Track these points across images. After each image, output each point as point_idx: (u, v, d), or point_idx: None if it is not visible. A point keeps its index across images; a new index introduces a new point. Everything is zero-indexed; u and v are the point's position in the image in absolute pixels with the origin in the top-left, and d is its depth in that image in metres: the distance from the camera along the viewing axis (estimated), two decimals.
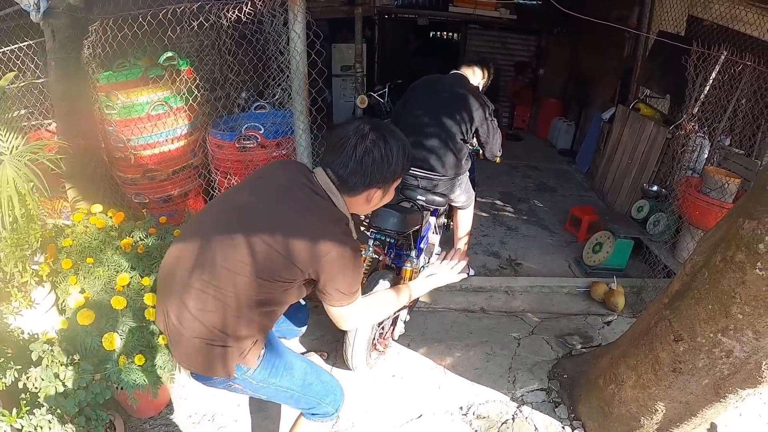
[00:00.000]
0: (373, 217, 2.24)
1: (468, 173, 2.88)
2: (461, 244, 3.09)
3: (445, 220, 3.37)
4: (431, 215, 2.72)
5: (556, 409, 2.16)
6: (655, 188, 3.73)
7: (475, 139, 2.70)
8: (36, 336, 1.84)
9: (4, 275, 2.04)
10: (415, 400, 2.21)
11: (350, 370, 2.23)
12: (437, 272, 1.65)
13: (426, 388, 2.27)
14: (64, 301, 2.13)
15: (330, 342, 2.50)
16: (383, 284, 2.14)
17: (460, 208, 2.98)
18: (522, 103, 6.92)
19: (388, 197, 1.48)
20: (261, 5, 2.41)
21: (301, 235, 1.28)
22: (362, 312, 1.46)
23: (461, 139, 2.59)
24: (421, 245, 2.53)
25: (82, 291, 2.07)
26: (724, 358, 1.48)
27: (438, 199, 2.57)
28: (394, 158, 1.36)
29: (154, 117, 2.86)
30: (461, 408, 2.18)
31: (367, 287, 2.12)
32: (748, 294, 1.36)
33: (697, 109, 3.42)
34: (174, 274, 1.41)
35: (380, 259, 2.40)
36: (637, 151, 4.16)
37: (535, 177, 5.17)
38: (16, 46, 2.97)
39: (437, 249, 2.95)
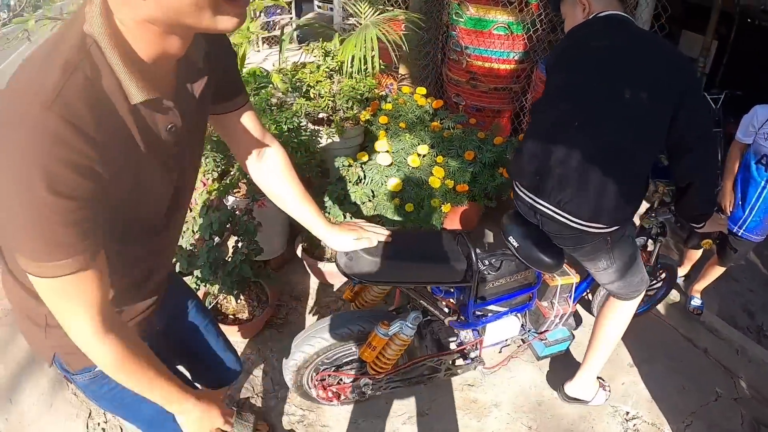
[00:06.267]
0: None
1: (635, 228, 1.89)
2: (592, 361, 2.05)
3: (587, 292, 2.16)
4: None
5: None
6: None
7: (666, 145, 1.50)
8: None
9: (334, 111, 2.80)
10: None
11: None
12: None
13: (610, 383, 2.35)
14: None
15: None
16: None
17: (610, 294, 1.87)
18: None
19: None
20: None
21: None
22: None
23: (642, 150, 1.46)
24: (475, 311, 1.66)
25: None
26: None
27: (544, 259, 1.59)
28: None
29: (494, 36, 3.22)
30: (627, 413, 2.28)
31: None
32: None
33: None
34: None
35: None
36: None
37: None
38: None
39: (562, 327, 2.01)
